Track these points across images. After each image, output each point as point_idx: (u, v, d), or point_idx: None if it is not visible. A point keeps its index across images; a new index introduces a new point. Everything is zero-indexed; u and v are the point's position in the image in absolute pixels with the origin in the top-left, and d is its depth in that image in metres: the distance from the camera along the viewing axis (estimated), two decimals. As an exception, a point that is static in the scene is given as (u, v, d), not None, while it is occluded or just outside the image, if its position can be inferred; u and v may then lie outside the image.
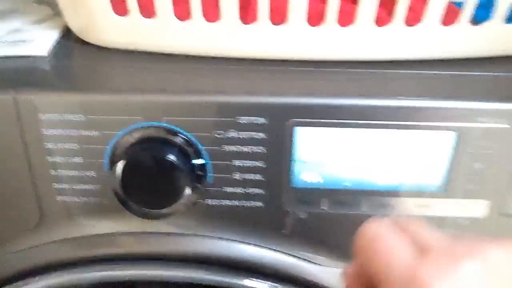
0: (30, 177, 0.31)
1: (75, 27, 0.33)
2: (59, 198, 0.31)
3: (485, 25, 0.30)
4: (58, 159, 0.30)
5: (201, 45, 0.31)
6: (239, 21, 0.29)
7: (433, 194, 0.31)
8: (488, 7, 0.29)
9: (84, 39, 0.33)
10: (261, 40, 0.30)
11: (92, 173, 0.30)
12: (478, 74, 0.31)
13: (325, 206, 0.32)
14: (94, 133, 0.29)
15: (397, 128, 0.29)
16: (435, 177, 0.30)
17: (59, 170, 0.30)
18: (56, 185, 0.31)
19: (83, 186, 0.31)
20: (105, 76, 0.31)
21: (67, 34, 0.35)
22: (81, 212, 0.32)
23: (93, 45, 0.33)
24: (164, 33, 0.31)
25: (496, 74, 0.31)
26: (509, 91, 0.30)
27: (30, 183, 0.31)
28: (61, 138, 0.29)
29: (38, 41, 0.33)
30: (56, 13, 0.37)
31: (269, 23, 0.29)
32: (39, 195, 0.31)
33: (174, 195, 0.29)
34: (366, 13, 0.29)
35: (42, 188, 0.31)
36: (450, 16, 0.29)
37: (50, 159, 0.30)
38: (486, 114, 0.28)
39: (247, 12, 0.29)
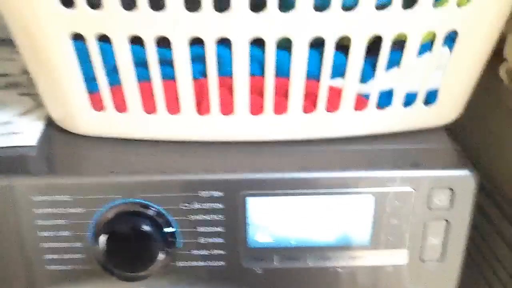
0: (21, 250, 0.35)
1: (56, 118, 0.38)
2: (48, 267, 0.35)
3: (388, 109, 0.36)
4: (47, 233, 0.34)
5: (166, 132, 0.36)
6: (195, 113, 0.35)
7: (362, 247, 0.36)
8: (389, 96, 0.36)
9: (65, 128, 0.38)
10: (214, 127, 0.36)
11: (78, 245, 0.35)
12: (386, 148, 0.38)
13: (277, 262, 0.37)
14: (79, 210, 0.34)
15: (329, 195, 0.35)
16: (363, 233, 0.36)
17: (48, 243, 0.35)
18: (46, 256, 0.35)
19: (70, 256, 0.35)
20: (86, 161, 0.36)
21: (49, 123, 0.39)
22: (68, 279, 0.36)
23: (73, 133, 0.38)
24: (135, 124, 0.36)
25: (400, 147, 0.38)
26: (411, 160, 0.36)
27: (20, 256, 0.35)
28: (50, 216, 0.34)
29: (26, 132, 0.37)
30: (39, 104, 0.42)
31: (219, 114, 0.35)
32: (29, 265, 0.35)
33: (149, 259, 0.33)
34: (295, 105, 0.35)
35: (32, 260, 0.35)
36: (360, 104, 0.36)
37: (40, 233, 0.34)
38: (395, 180, 0.34)
39: (201, 106, 0.35)
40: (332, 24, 0.31)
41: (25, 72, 0.49)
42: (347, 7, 0.31)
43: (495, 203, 0.43)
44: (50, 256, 0.35)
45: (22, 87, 0.46)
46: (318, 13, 0.31)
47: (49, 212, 0.34)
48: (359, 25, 0.31)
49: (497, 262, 0.43)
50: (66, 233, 0.35)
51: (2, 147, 0.37)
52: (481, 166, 0.39)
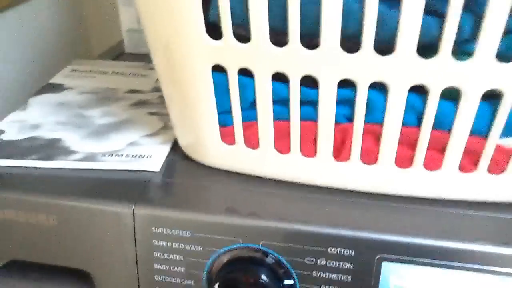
0: (137, 280, 0.34)
1: (183, 144, 0.37)
2: None
3: None
4: (163, 267, 0.33)
5: (298, 174, 0.34)
6: (332, 158, 0.32)
7: None
8: None
9: (190, 156, 0.37)
10: (352, 175, 0.32)
11: (191, 283, 0.33)
12: None
13: None
14: (198, 248, 0.32)
15: (482, 273, 0.30)
16: None
17: (162, 276, 0.33)
18: None
19: None
20: (210, 196, 0.34)
21: (175, 147, 0.39)
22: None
23: (198, 162, 0.37)
24: (265, 162, 0.34)
25: None
26: None
27: (135, 285, 0.34)
28: (168, 250, 0.32)
29: (153, 157, 0.37)
30: (166, 125, 0.42)
31: (360, 162, 0.31)
32: None
33: None
34: (451, 162, 0.30)
35: None
36: None
37: (156, 266, 0.33)
38: None
39: (340, 152, 0.32)
40: (516, 77, 0.26)
41: (156, 89, 0.49)
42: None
43: None
44: (162, 291, 0.34)
45: (151, 105, 0.46)
46: (500, 63, 0.25)
47: (168, 245, 0.33)
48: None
49: None
50: (181, 269, 0.33)
51: (127, 170, 0.36)
52: None
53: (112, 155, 0.37)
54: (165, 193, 0.34)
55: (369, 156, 0.31)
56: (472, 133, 0.29)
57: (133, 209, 0.33)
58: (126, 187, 0.34)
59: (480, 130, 0.29)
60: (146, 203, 0.33)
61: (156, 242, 0.33)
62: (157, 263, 0.33)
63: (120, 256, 0.34)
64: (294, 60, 0.28)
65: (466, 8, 0.25)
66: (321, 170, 0.33)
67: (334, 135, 0.31)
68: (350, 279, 0.31)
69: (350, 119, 0.30)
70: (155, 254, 0.33)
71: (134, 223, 0.33)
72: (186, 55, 0.30)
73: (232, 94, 0.31)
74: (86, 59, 0.59)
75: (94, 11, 0.80)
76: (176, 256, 0.33)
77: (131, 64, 0.57)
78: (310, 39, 0.27)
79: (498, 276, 0.30)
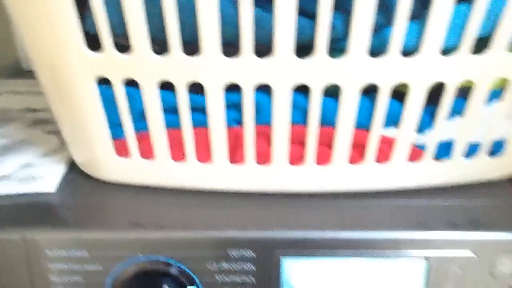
0: None
1: (79, 161, 0.36)
2: None
3: (446, 161, 0.33)
4: None
5: (195, 182, 0.33)
6: (228, 162, 0.32)
7: None
8: (448, 147, 0.32)
9: (88, 173, 0.36)
10: (248, 177, 0.33)
11: None
12: (442, 204, 0.34)
13: None
14: (96, 267, 0.31)
15: (374, 257, 0.31)
16: None
17: None
18: None
19: None
20: (107, 212, 0.33)
21: (72, 165, 0.37)
22: None
23: (96, 178, 0.35)
24: (162, 172, 0.33)
25: (458, 203, 0.34)
26: (471, 219, 0.32)
27: None
28: (65, 272, 0.31)
29: (46, 178, 0.35)
30: (63, 143, 0.40)
31: (255, 163, 0.32)
32: None
33: None
34: (340, 156, 0.31)
35: None
36: (415, 155, 0.32)
37: None
38: (452, 243, 0.31)
39: (235, 155, 0.32)
40: (389, 71, 0.27)
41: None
42: (406, 52, 0.27)
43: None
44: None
45: (49, 124, 0.43)
46: (373, 59, 0.27)
47: (64, 268, 0.31)
48: (420, 72, 0.27)
49: None
50: (81, 291, 0.32)
51: (19, 194, 0.34)
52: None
53: (2, 179, 0.35)
54: (60, 214, 0.33)
55: (264, 156, 0.32)
56: (357, 126, 0.30)
57: (25, 234, 0.31)
58: (16, 212, 0.32)
59: (364, 123, 0.30)
60: (38, 226, 0.31)
61: (52, 265, 0.31)
62: (54, 286, 0.32)
63: (15, 283, 0.32)
64: (178, 68, 0.27)
65: (337, 7, 0.26)
66: (218, 174, 0.33)
67: (228, 139, 0.31)
68: (254, 280, 0.31)
69: (241, 122, 0.30)
70: (52, 277, 0.31)
71: (26, 248, 0.31)
72: (68, 69, 0.28)
73: (121, 106, 0.30)
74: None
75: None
76: (74, 278, 0.31)
77: (28, 82, 0.54)
78: (191, 46, 0.27)
79: (394, 259, 0.31)
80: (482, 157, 0.33)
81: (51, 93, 0.31)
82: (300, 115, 0.30)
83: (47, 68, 0.30)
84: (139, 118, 0.31)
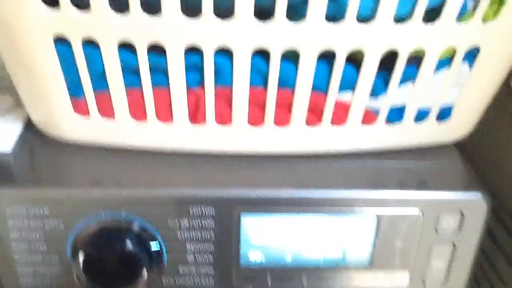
0: None
1: (36, 121, 0.35)
2: (22, 282, 0.33)
3: (398, 125, 0.34)
4: (22, 246, 0.32)
5: (156, 142, 0.34)
6: (189, 123, 0.32)
7: (360, 268, 0.35)
8: (400, 111, 0.34)
9: (45, 132, 0.35)
10: (209, 138, 0.33)
11: (55, 260, 0.32)
12: (392, 166, 0.35)
13: (270, 282, 0.35)
14: (57, 224, 0.31)
15: (328, 214, 0.33)
16: (362, 254, 0.34)
17: (23, 255, 0.32)
18: (20, 270, 0.33)
19: (46, 270, 0.32)
20: (66, 171, 0.33)
21: (29, 124, 0.36)
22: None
23: (54, 138, 0.35)
24: (122, 132, 0.33)
25: (408, 165, 0.36)
26: (418, 180, 0.34)
27: None
28: (25, 228, 0.31)
29: (2, 137, 0.34)
30: (19, 102, 0.39)
31: (215, 124, 0.32)
32: (1, 279, 0.33)
33: (133, 277, 0.31)
34: (298, 118, 0.32)
35: (5, 273, 0.33)
36: (369, 119, 0.33)
37: (15, 246, 0.32)
38: (400, 202, 0.33)
39: (196, 116, 0.32)
40: (345, 37, 0.28)
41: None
42: (362, 19, 0.27)
43: (501, 222, 0.41)
44: (25, 270, 0.33)
45: (2, 82, 0.42)
46: (330, 24, 0.27)
47: (24, 224, 0.31)
48: (375, 39, 0.28)
49: (502, 285, 0.41)
50: (42, 248, 0.32)
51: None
52: (487, 180, 0.36)
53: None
54: (18, 173, 0.33)
55: (224, 117, 0.32)
56: (315, 90, 0.31)
57: (-17, 191, 0.31)
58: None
59: (322, 87, 0.31)
60: (-3, 183, 0.31)
61: (12, 222, 0.31)
62: (15, 243, 0.32)
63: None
64: (138, 27, 0.27)
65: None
66: (179, 135, 0.33)
67: (189, 100, 0.31)
68: (214, 235, 0.33)
69: (202, 84, 0.30)
70: (12, 234, 0.32)
71: (-15, 206, 0.31)
72: (25, 27, 0.28)
73: (80, 65, 0.30)
74: None
75: None
76: (35, 234, 0.32)
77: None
78: (152, 5, 0.27)
79: (347, 216, 0.33)
80: (431, 122, 0.35)
81: (6, 51, 0.31)
82: (260, 78, 0.31)
83: (1, 26, 0.29)
84: (100, 77, 0.30)
